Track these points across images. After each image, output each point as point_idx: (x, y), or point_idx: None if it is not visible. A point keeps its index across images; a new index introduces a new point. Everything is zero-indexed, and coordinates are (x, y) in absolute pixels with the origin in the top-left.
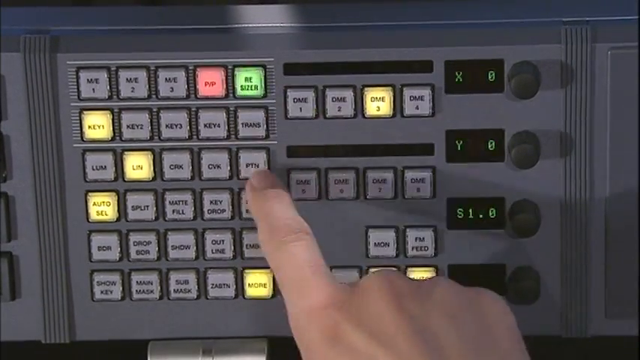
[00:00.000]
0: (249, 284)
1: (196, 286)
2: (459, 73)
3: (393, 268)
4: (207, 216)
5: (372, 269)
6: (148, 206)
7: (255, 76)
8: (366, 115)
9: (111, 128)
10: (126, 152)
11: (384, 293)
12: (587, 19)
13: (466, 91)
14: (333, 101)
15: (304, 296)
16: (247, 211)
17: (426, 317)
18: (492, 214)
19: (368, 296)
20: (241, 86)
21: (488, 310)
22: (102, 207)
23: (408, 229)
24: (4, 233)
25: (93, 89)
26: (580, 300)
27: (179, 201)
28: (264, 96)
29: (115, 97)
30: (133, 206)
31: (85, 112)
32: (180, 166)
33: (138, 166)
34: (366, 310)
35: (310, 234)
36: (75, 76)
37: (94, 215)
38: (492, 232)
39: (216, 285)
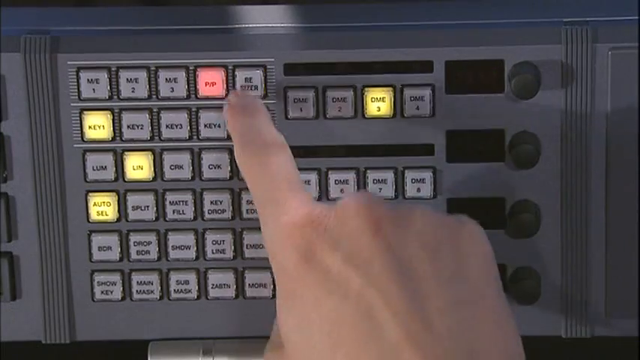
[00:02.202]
0: (249, 284)
1: (197, 287)
2: (459, 74)
3: (370, 192)
4: (207, 216)
5: None
6: (148, 206)
7: (256, 76)
8: (366, 116)
9: (111, 128)
10: (126, 152)
11: (363, 217)
12: (588, 19)
13: (466, 92)
14: (333, 101)
15: (280, 212)
16: (248, 212)
17: (402, 246)
18: (492, 215)
19: (346, 218)
20: (242, 86)
21: (465, 241)
22: (102, 207)
23: None
24: (4, 233)
25: (93, 89)
26: (580, 300)
27: (179, 201)
28: (265, 96)
29: (115, 97)
30: (133, 206)
31: (85, 112)
32: (181, 167)
33: (138, 166)
34: (343, 232)
35: (287, 148)
36: (75, 77)
37: (94, 215)
38: (492, 232)
39: (216, 285)
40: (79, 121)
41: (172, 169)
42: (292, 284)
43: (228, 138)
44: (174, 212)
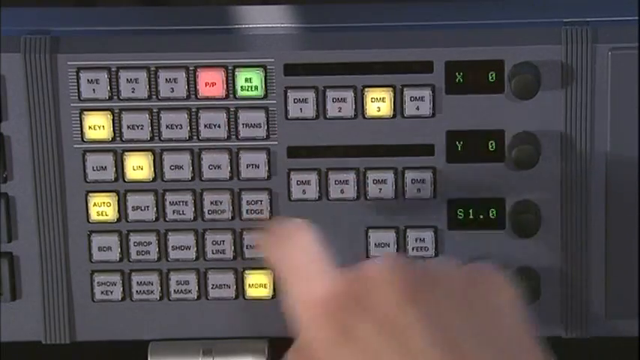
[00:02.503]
0: (249, 285)
1: (197, 287)
2: (459, 74)
3: (395, 253)
4: (207, 216)
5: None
6: (148, 207)
7: (256, 76)
8: (366, 116)
9: (111, 129)
10: (126, 153)
11: (391, 285)
12: (588, 19)
13: (466, 92)
14: (333, 102)
15: (305, 288)
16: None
17: (436, 309)
18: (493, 215)
19: (374, 287)
20: (242, 87)
21: (494, 293)
22: (102, 207)
23: (408, 230)
24: (4, 234)
25: (93, 90)
26: (580, 300)
27: (179, 201)
28: (265, 96)
29: (115, 97)
30: (133, 207)
31: (85, 112)
32: (181, 167)
33: (138, 166)
34: (375, 302)
35: (309, 227)
36: (75, 77)
37: (94, 216)
38: (492, 232)
39: (216, 285)
40: (79, 122)
41: (172, 170)
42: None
43: (228, 138)
44: (174, 212)
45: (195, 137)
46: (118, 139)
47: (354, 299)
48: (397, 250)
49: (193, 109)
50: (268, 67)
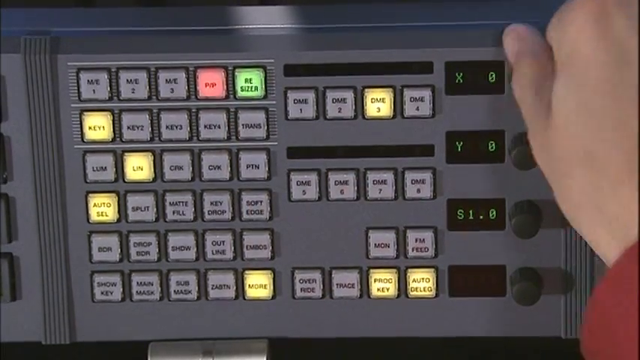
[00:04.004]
0: (249, 285)
1: (197, 287)
2: (459, 74)
3: None
4: (207, 217)
5: (372, 270)
6: (148, 207)
7: (256, 77)
8: (366, 116)
9: (111, 129)
10: (126, 153)
11: None
12: None
13: (466, 93)
14: (333, 102)
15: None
16: (247, 213)
17: None
18: (493, 215)
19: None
20: (242, 87)
21: None
22: (102, 208)
23: (408, 230)
24: (4, 234)
25: (93, 90)
26: (580, 301)
27: (179, 202)
28: (265, 97)
29: (115, 98)
30: (133, 207)
31: (85, 113)
32: (181, 167)
33: (138, 167)
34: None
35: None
36: (75, 77)
37: (94, 216)
38: (493, 233)
39: (216, 286)
40: (79, 122)
41: (172, 170)
42: (573, 45)
43: (228, 139)
44: (174, 213)
45: (195, 138)
46: (118, 139)
47: None
48: (397, 252)
49: (193, 110)
50: (268, 67)
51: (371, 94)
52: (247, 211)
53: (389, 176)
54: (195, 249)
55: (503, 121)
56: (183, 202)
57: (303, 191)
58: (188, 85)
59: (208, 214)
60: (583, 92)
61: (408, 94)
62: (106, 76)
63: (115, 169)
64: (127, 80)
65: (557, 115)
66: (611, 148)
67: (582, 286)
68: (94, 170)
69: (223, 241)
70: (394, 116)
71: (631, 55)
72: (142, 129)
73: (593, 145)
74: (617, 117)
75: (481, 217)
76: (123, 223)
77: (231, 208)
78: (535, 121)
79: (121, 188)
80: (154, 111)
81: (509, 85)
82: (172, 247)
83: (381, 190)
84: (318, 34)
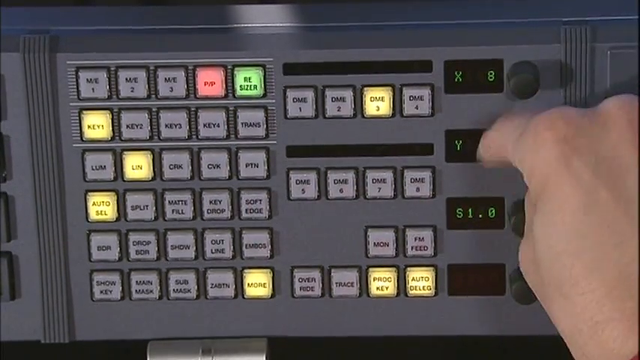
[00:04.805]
0: (248, 284)
1: (196, 286)
2: (458, 73)
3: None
4: (206, 216)
5: (371, 269)
6: (147, 206)
7: (255, 75)
8: (365, 115)
9: (110, 128)
10: (125, 152)
11: (627, 129)
12: (587, 19)
13: (465, 91)
14: (332, 101)
15: (541, 126)
16: (247, 212)
17: None
18: (492, 214)
19: (609, 127)
20: (241, 86)
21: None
22: (101, 207)
23: (407, 229)
24: (3, 233)
25: (92, 89)
26: None
27: (179, 201)
28: (264, 96)
29: (114, 96)
30: (132, 206)
31: (84, 111)
32: (180, 166)
33: (137, 165)
34: (604, 141)
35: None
36: (74, 76)
37: (93, 215)
38: (492, 231)
39: (215, 285)
40: (78, 121)
41: (171, 169)
42: (544, 183)
43: (227, 138)
44: (173, 212)
45: (194, 136)
46: (117, 138)
47: (585, 133)
48: (396, 250)
49: (192, 109)
50: (267, 66)
51: (370, 93)
52: (246, 210)
53: (388, 175)
54: (194, 248)
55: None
56: (182, 200)
57: (303, 190)
58: (187, 84)
59: (207, 212)
60: (553, 236)
61: (407, 92)
62: (105, 75)
63: (114, 168)
64: (127, 79)
65: (538, 251)
66: (582, 292)
67: None
68: (93, 169)
69: (222, 240)
70: (393, 115)
71: (599, 198)
72: (141, 128)
73: (566, 287)
74: (588, 261)
75: (480, 215)
76: (122, 221)
77: (230, 207)
78: (524, 237)
79: (120, 187)
80: (153, 110)
81: (508, 84)
82: (171, 245)
83: (380, 188)
84: (318, 33)
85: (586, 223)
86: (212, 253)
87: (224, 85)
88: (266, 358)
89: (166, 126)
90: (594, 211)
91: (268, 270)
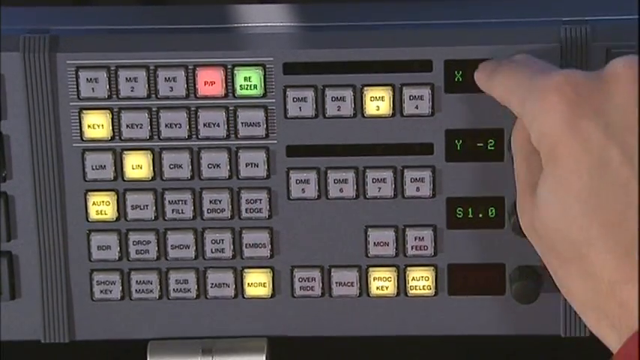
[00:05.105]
0: (248, 284)
1: (196, 286)
2: (458, 73)
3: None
4: (206, 215)
5: (371, 269)
6: (147, 206)
7: (255, 75)
8: (365, 115)
9: (110, 128)
10: (125, 152)
11: (632, 88)
12: (586, 18)
13: (465, 91)
14: (332, 101)
15: (543, 84)
16: (247, 211)
17: None
18: (492, 214)
19: (614, 86)
20: (241, 86)
21: None
22: (101, 206)
23: (407, 229)
24: (3, 233)
25: (92, 89)
26: None
27: (178, 200)
28: (264, 95)
29: (114, 96)
30: (132, 206)
31: (84, 111)
32: (180, 166)
33: (137, 165)
34: (610, 101)
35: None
36: (74, 76)
37: (93, 215)
38: (492, 231)
39: (215, 284)
40: (78, 121)
41: (171, 169)
42: (553, 147)
43: (227, 137)
44: (173, 211)
45: (194, 136)
46: (117, 138)
47: (589, 93)
48: (396, 250)
49: (192, 108)
50: (267, 66)
51: (370, 93)
52: (246, 210)
53: (388, 175)
54: (194, 247)
55: (502, 120)
56: (182, 200)
57: (303, 190)
58: (187, 84)
59: (207, 212)
60: (567, 198)
61: (407, 92)
62: (105, 75)
63: (114, 168)
64: (126, 78)
65: (544, 215)
66: (600, 252)
67: None
68: (93, 169)
69: (222, 240)
70: (393, 115)
71: (611, 158)
72: (141, 127)
73: (583, 249)
74: (604, 221)
75: (480, 215)
76: (122, 221)
77: (230, 207)
78: (522, 196)
79: (120, 187)
80: (153, 109)
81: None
82: (171, 245)
83: (380, 188)
84: (317, 33)
85: (600, 183)
86: (212, 252)
87: (224, 85)
88: (266, 357)
89: (166, 126)
90: (607, 171)
91: (268, 270)
